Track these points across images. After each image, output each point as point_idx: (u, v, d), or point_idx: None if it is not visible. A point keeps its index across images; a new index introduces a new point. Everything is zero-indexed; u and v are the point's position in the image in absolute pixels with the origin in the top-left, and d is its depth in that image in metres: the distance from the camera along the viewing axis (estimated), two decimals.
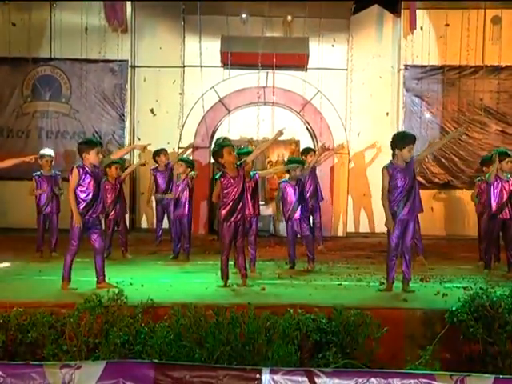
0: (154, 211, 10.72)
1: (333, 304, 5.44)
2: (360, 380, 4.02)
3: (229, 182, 6.82)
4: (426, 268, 8.24)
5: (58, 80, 12.86)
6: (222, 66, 12.60)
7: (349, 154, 12.84)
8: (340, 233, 12.78)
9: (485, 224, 8.44)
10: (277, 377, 4.04)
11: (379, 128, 12.87)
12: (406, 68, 12.81)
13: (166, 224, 10.27)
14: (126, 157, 12.46)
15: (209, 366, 4.45)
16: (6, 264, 8.19)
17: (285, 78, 12.69)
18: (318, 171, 10.57)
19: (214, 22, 12.47)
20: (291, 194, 8.17)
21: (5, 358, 4.91)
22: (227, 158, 6.86)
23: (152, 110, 13.09)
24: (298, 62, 12.43)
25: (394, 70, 13.08)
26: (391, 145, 6.66)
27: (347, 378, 4.03)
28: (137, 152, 12.77)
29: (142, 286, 6.67)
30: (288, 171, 8.33)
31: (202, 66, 12.42)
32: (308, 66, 12.63)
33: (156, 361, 4.36)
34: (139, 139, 12.95)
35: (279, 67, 12.40)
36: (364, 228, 13.04)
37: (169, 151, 10.86)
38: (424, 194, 8.84)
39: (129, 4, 12.69)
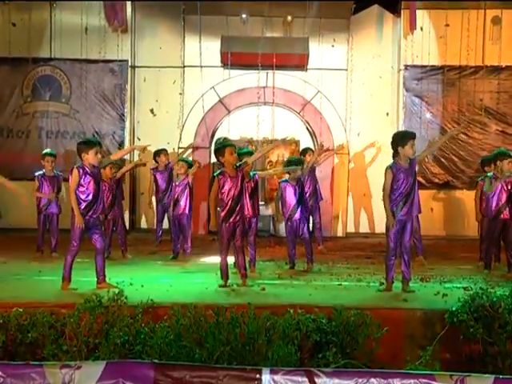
0: (155, 211, 10.70)
1: (333, 304, 5.44)
2: (360, 380, 4.02)
3: (226, 181, 6.82)
4: (425, 268, 8.24)
5: (58, 80, 12.86)
6: (222, 66, 12.60)
7: (349, 154, 12.84)
8: (340, 233, 12.78)
9: (486, 224, 8.44)
10: (277, 377, 4.04)
11: (379, 128, 12.87)
12: (406, 68, 12.81)
13: (166, 224, 10.28)
14: (126, 157, 12.45)
15: (209, 366, 4.45)
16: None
17: (285, 78, 12.69)
18: (318, 172, 10.58)
19: (213, 22, 12.47)
20: (291, 194, 8.17)
21: (5, 358, 4.91)
22: (228, 158, 6.87)
23: (152, 110, 13.09)
24: (298, 62, 12.42)
25: (394, 70, 13.08)
26: (392, 144, 6.67)
27: (347, 378, 4.03)
28: (137, 152, 12.77)
29: (142, 286, 6.67)
30: (288, 171, 8.32)
31: (202, 66, 12.42)
32: (308, 66, 12.63)
33: (156, 361, 4.36)
34: (139, 139, 12.96)
35: (279, 67, 12.41)
36: (364, 228, 13.04)
37: (169, 151, 10.87)
38: (424, 194, 8.87)
39: (129, 4, 12.69)
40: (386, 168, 6.62)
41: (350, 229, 12.98)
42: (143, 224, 13.06)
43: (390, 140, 6.75)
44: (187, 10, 12.53)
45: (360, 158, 13.02)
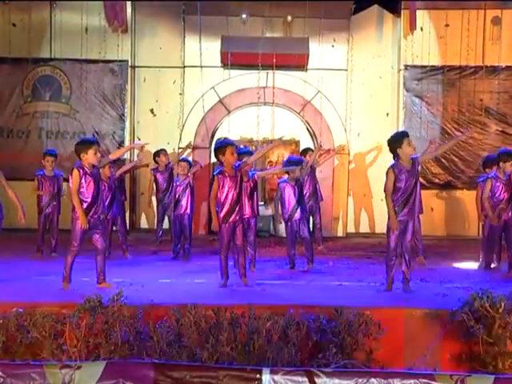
0: (155, 211, 10.70)
1: (333, 304, 5.44)
2: (360, 380, 4.02)
3: (225, 181, 6.81)
4: (425, 268, 8.24)
5: (58, 80, 12.86)
6: (222, 66, 12.60)
7: (349, 154, 12.84)
8: (340, 233, 12.78)
9: (487, 224, 8.42)
10: (277, 377, 4.04)
11: (379, 128, 12.85)
12: (406, 68, 12.81)
13: (166, 224, 10.28)
14: (126, 156, 12.47)
15: (209, 366, 4.45)
16: None
17: (285, 79, 12.69)
18: (318, 172, 10.59)
19: (214, 22, 12.48)
20: (290, 195, 8.16)
21: (5, 358, 4.91)
22: (228, 157, 6.85)
23: (152, 111, 13.09)
24: (298, 62, 12.42)
25: (394, 71, 13.08)
26: (390, 149, 6.63)
27: (347, 378, 4.03)
28: (136, 152, 12.78)
29: (142, 286, 6.67)
30: (288, 171, 8.31)
31: (202, 67, 12.43)
32: (308, 67, 12.63)
33: (156, 361, 4.35)
34: (139, 139, 12.93)
35: (279, 67, 12.41)
36: (364, 228, 13.04)
37: (169, 151, 10.87)
38: (424, 195, 8.85)
39: (129, 4, 12.69)
40: (388, 168, 6.60)
41: (351, 229, 12.98)
42: (143, 224, 13.06)
43: (388, 146, 6.71)
44: (187, 10, 12.53)
45: (360, 158, 13.03)
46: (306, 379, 4.03)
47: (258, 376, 4.05)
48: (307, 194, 9.60)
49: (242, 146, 9.21)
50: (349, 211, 12.94)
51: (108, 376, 4.08)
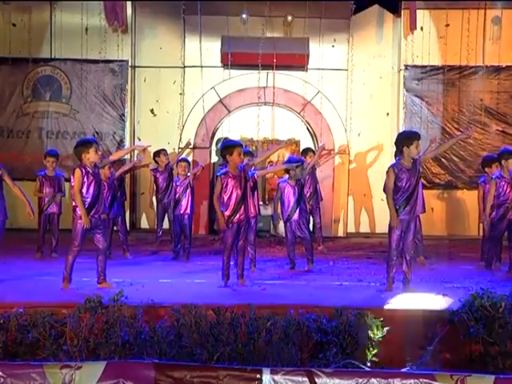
0: (155, 211, 10.69)
1: (333, 304, 5.44)
2: (360, 380, 4.02)
3: (229, 181, 6.81)
4: (426, 268, 8.24)
5: (59, 80, 12.86)
6: (222, 67, 12.59)
7: (349, 154, 12.83)
8: (340, 233, 12.77)
9: (490, 224, 8.41)
10: (277, 377, 4.05)
11: (379, 128, 12.88)
12: (406, 68, 12.80)
13: (166, 224, 10.29)
14: (126, 157, 12.46)
15: (209, 366, 4.45)
16: None
17: (285, 79, 12.69)
18: (318, 172, 10.60)
19: (214, 22, 12.47)
20: (290, 194, 8.16)
21: (5, 359, 4.91)
22: (235, 158, 6.84)
23: (152, 111, 13.09)
24: (298, 62, 12.42)
25: (395, 71, 13.07)
26: (397, 144, 6.67)
27: (347, 378, 4.03)
28: (136, 152, 12.78)
29: (143, 286, 6.68)
30: (288, 171, 8.29)
31: (202, 67, 12.43)
32: (308, 67, 12.62)
33: (156, 361, 4.36)
34: (139, 139, 12.96)
35: (279, 67, 12.40)
36: (364, 228, 13.03)
37: (169, 151, 10.88)
38: (424, 194, 8.83)
39: (129, 4, 12.68)
40: (389, 167, 6.61)
41: (351, 229, 12.97)
42: (143, 224, 13.05)
43: (395, 139, 6.75)
44: (187, 10, 12.52)
45: (360, 158, 13.02)
46: (306, 379, 4.04)
47: (258, 376, 4.05)
48: (308, 194, 9.60)
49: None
50: (349, 211, 12.93)
51: (108, 376, 4.08)
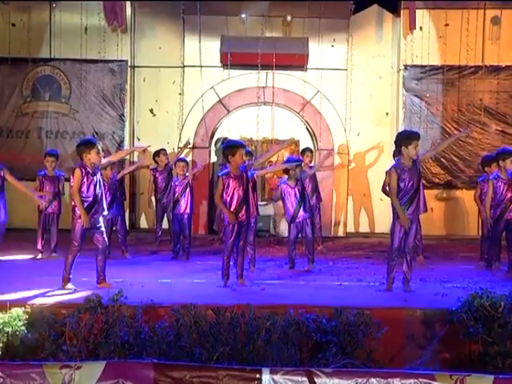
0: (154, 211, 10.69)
1: (333, 304, 5.44)
2: (360, 380, 4.02)
3: (230, 181, 6.81)
4: (425, 268, 8.25)
5: (58, 80, 12.85)
6: (221, 66, 12.59)
7: (349, 154, 12.84)
8: (340, 233, 12.77)
9: (489, 224, 8.42)
10: (277, 377, 4.05)
11: (379, 128, 12.88)
12: (405, 68, 12.80)
13: (166, 224, 10.29)
14: (127, 157, 12.46)
15: (209, 366, 4.45)
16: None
17: (284, 78, 12.69)
18: (318, 172, 10.56)
19: (213, 22, 12.47)
20: (291, 196, 8.17)
21: (5, 359, 4.90)
22: (238, 159, 6.84)
23: (152, 110, 13.08)
24: (297, 62, 12.41)
25: (394, 70, 13.08)
26: (396, 143, 6.69)
27: (347, 378, 4.03)
28: (136, 152, 12.77)
29: (142, 286, 6.67)
30: (287, 172, 8.28)
31: (201, 66, 12.43)
32: (308, 66, 12.61)
33: (156, 361, 4.35)
34: (139, 139, 12.96)
35: (279, 67, 12.40)
36: (364, 228, 13.03)
37: (168, 151, 10.88)
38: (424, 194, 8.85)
39: (128, 4, 12.68)
40: (391, 168, 6.60)
41: (350, 229, 12.97)
42: (143, 224, 13.06)
43: (394, 139, 6.76)
44: (187, 9, 12.52)
45: (360, 158, 13.02)
46: (305, 379, 4.03)
47: (257, 376, 4.05)
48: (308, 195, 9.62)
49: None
50: (349, 211, 12.93)
51: (108, 376, 4.08)
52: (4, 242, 7.30)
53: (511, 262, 7.93)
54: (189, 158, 11.26)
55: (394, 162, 6.72)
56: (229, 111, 12.78)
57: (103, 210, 6.79)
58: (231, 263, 7.05)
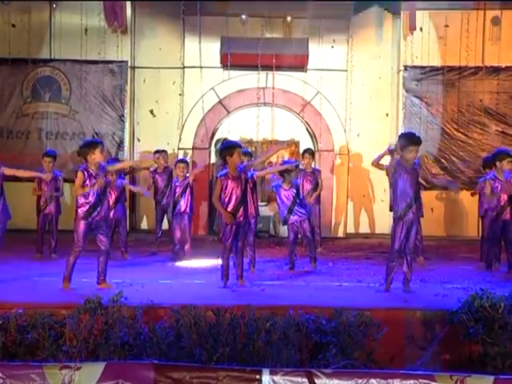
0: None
1: (333, 305, 5.44)
2: (360, 381, 4.02)
3: (228, 182, 6.81)
4: (425, 268, 8.24)
5: (58, 81, 12.86)
6: (221, 67, 12.59)
7: (349, 154, 12.84)
8: (340, 233, 12.77)
9: (487, 225, 8.44)
10: (277, 377, 4.04)
11: (379, 129, 12.88)
12: (405, 69, 12.80)
13: (166, 225, 10.30)
14: (126, 157, 12.47)
15: (209, 366, 4.44)
16: None
17: (284, 79, 12.69)
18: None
19: (213, 22, 12.47)
20: (285, 198, 8.18)
21: (4, 359, 4.90)
22: (235, 159, 6.83)
23: (152, 111, 13.09)
24: (297, 62, 12.43)
25: (394, 71, 13.08)
26: (397, 144, 6.71)
27: (347, 379, 4.03)
28: (137, 153, 12.80)
29: (142, 286, 6.67)
30: (282, 175, 8.27)
31: (201, 67, 12.42)
32: (308, 67, 12.63)
33: (156, 362, 4.35)
34: (139, 140, 12.97)
35: (279, 68, 12.41)
36: (364, 229, 13.02)
37: (168, 152, 10.91)
38: (424, 195, 8.81)
39: (128, 5, 12.68)
40: (397, 160, 6.64)
41: (350, 229, 12.97)
42: (143, 225, 13.06)
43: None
44: (187, 10, 12.52)
45: (360, 158, 13.02)
46: (305, 380, 4.03)
47: (257, 377, 4.05)
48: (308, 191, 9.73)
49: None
50: (348, 212, 12.93)
51: (108, 377, 4.08)
52: (4, 243, 7.30)
53: (511, 262, 7.93)
54: (188, 159, 11.25)
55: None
56: (229, 112, 12.79)
57: (106, 211, 6.78)
58: (231, 264, 7.05)
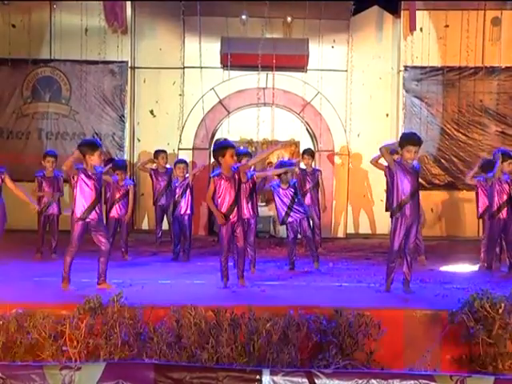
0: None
1: (333, 305, 5.44)
2: (360, 381, 4.02)
3: (222, 182, 6.80)
4: (425, 269, 8.24)
5: (58, 81, 12.86)
6: (221, 67, 12.60)
7: (349, 155, 12.84)
8: (340, 234, 12.77)
9: (486, 225, 8.45)
10: (277, 378, 4.04)
11: (379, 129, 12.87)
12: (405, 69, 12.80)
13: (166, 225, 10.30)
14: (127, 158, 12.47)
15: (209, 367, 4.45)
16: None
17: (285, 79, 12.70)
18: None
19: (213, 23, 12.48)
20: (283, 198, 8.18)
21: (5, 360, 4.90)
22: (227, 159, 6.84)
23: (152, 112, 13.08)
24: (297, 63, 12.43)
25: (394, 71, 13.08)
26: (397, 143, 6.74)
27: (347, 379, 4.03)
28: (137, 153, 12.81)
29: (142, 287, 6.67)
30: (279, 175, 8.26)
31: (201, 67, 12.43)
32: (308, 67, 12.63)
33: (156, 362, 4.36)
34: (139, 140, 12.97)
35: (279, 68, 12.41)
36: (364, 229, 13.02)
37: (168, 152, 10.91)
38: (424, 195, 8.87)
39: (129, 5, 12.69)
40: (396, 160, 6.63)
41: (350, 230, 12.97)
42: (144, 225, 13.05)
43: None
44: (187, 10, 12.54)
45: (360, 158, 13.02)
46: (305, 380, 4.03)
47: (257, 377, 4.05)
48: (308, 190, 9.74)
49: (240, 147, 9.21)
50: (349, 212, 12.93)
51: (108, 377, 4.08)
52: (4, 243, 7.30)
53: (511, 262, 7.93)
54: (189, 160, 11.26)
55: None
56: (229, 112, 12.79)
57: (100, 212, 6.76)
58: (230, 264, 7.05)
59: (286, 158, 12.17)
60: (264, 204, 12.51)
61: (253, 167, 8.17)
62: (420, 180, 7.34)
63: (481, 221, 9.10)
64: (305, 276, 7.79)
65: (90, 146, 6.75)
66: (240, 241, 6.92)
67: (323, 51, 12.63)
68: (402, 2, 12.68)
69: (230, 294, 6.48)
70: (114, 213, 9.13)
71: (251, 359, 4.85)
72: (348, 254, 10.10)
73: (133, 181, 9.59)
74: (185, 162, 9.64)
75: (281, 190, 8.21)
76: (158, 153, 10.33)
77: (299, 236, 8.46)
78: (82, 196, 6.56)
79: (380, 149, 6.56)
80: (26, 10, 12.62)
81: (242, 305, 5.37)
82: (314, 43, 12.52)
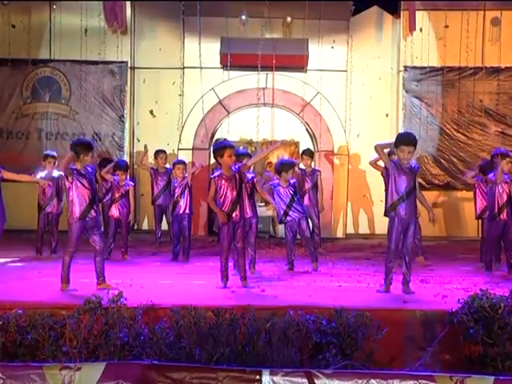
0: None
1: (332, 305, 5.44)
2: (360, 381, 4.02)
3: (222, 183, 6.81)
4: (425, 269, 8.24)
5: (58, 81, 12.87)
6: (221, 68, 12.60)
7: (348, 155, 12.85)
8: (340, 234, 12.78)
9: (486, 225, 8.45)
10: (277, 378, 4.04)
11: (379, 129, 12.86)
12: (405, 69, 12.81)
13: (166, 226, 10.30)
14: (127, 158, 12.47)
15: (208, 367, 4.44)
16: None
17: (284, 80, 12.70)
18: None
19: (213, 23, 12.49)
20: (282, 197, 8.18)
21: (4, 360, 4.90)
22: (226, 159, 6.84)
23: (152, 112, 13.09)
24: (297, 63, 12.44)
25: (394, 72, 13.09)
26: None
27: (347, 379, 4.03)
28: (137, 153, 12.81)
29: (142, 287, 6.67)
30: (279, 173, 8.26)
31: (201, 68, 12.44)
32: (308, 68, 12.64)
33: (156, 362, 4.35)
34: (139, 140, 12.98)
35: (279, 68, 12.42)
36: (364, 229, 13.03)
37: (168, 152, 10.92)
38: (424, 195, 8.84)
39: (128, 5, 12.70)
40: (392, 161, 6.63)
41: (350, 230, 12.98)
42: (144, 225, 13.06)
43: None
44: (187, 11, 12.56)
45: (360, 159, 13.02)
46: (305, 380, 4.03)
47: (257, 377, 4.05)
48: (308, 190, 9.74)
49: (240, 148, 9.21)
50: (348, 212, 12.94)
51: (108, 377, 4.08)
52: (4, 243, 7.30)
53: (510, 263, 7.93)
54: (188, 160, 11.27)
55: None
56: (229, 112, 12.80)
57: (97, 211, 6.77)
58: (230, 264, 7.05)
59: (285, 157, 12.19)
60: (263, 204, 12.50)
61: (252, 167, 8.16)
62: (419, 180, 7.35)
63: (480, 221, 9.11)
64: (304, 276, 7.78)
65: (86, 146, 6.77)
66: (239, 241, 6.92)
67: (323, 51, 12.64)
68: (402, 3, 12.70)
69: (230, 295, 6.48)
70: (114, 212, 9.15)
71: (251, 359, 4.84)
72: (348, 255, 10.11)
73: (133, 181, 9.60)
74: (183, 162, 9.63)
75: (281, 188, 8.21)
76: (157, 153, 10.38)
77: (298, 236, 8.46)
78: (80, 196, 6.56)
79: (375, 147, 6.55)
80: (25, 11, 12.64)
81: (242, 305, 5.36)
82: (314, 43, 12.52)
